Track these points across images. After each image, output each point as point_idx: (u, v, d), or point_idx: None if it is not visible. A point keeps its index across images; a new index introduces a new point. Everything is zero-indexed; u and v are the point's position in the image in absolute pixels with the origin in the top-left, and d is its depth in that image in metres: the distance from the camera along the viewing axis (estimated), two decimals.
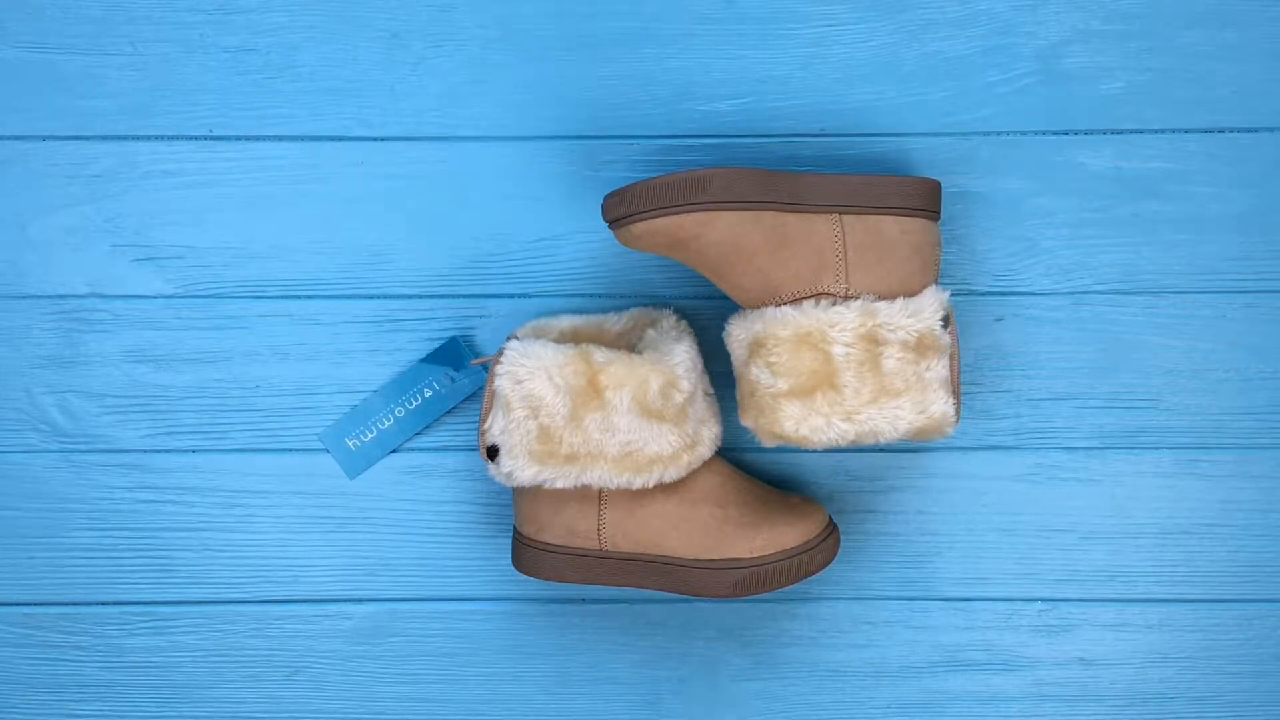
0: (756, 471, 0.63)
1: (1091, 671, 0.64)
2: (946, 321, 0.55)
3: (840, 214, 0.55)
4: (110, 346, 0.62)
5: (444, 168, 0.62)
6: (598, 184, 0.62)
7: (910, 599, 0.64)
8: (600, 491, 0.56)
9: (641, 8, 0.61)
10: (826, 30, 0.61)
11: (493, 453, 0.56)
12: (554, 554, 0.57)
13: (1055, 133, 0.62)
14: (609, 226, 0.55)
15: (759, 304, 0.55)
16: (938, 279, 0.57)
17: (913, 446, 0.63)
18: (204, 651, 0.64)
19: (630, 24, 0.61)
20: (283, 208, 0.62)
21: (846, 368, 0.53)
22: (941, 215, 0.58)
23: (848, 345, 0.53)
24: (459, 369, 0.62)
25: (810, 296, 0.54)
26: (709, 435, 0.57)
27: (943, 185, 0.62)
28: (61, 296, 0.62)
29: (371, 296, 0.62)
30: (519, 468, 0.55)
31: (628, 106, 0.62)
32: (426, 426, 0.63)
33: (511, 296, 0.63)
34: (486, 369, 0.59)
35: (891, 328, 0.53)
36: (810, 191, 0.55)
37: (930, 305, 0.54)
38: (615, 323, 0.60)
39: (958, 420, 0.55)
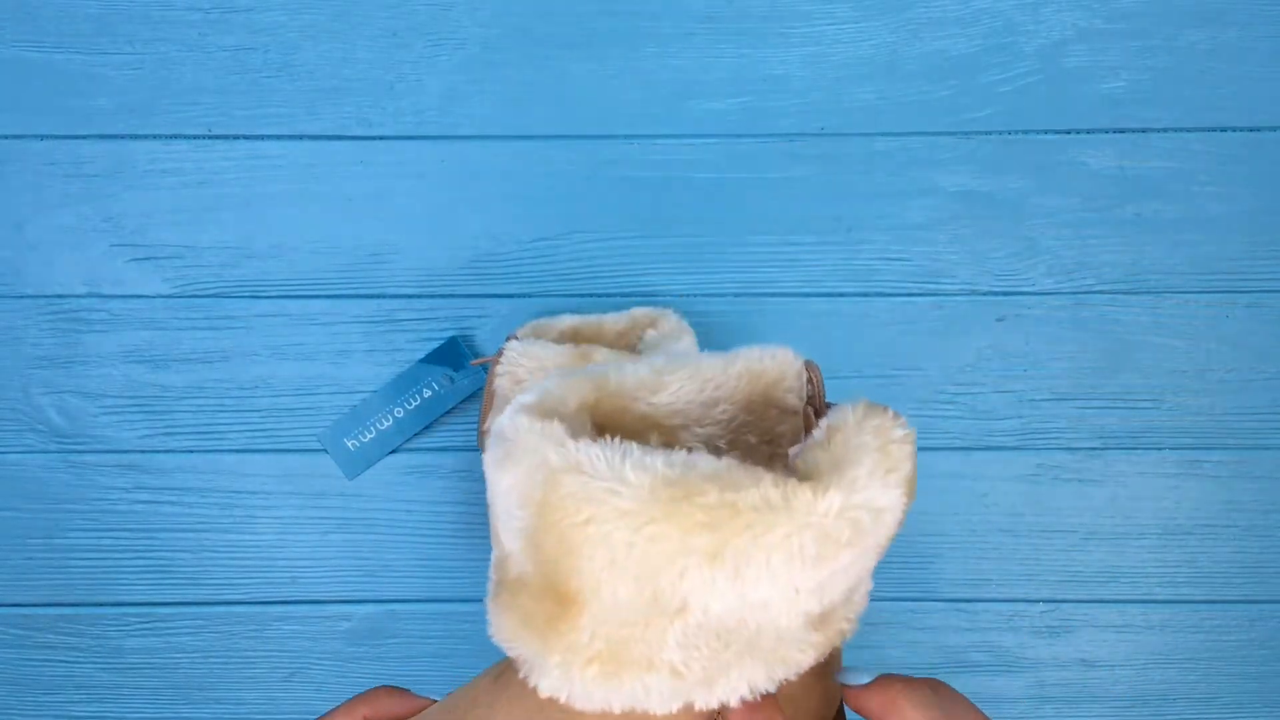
0: None
1: (1093, 672, 0.64)
2: None
3: None
4: (108, 346, 0.62)
5: (444, 167, 0.62)
6: (597, 184, 0.62)
7: (912, 600, 0.64)
8: None
9: (642, 7, 0.61)
10: (827, 29, 0.61)
11: None
12: None
13: (1057, 132, 0.61)
14: None
15: None
16: None
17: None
18: (202, 652, 0.64)
19: (630, 23, 0.61)
20: (281, 207, 0.62)
21: None
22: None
23: None
24: (458, 369, 0.62)
25: None
26: None
27: (946, 185, 0.62)
28: (59, 296, 0.62)
29: (371, 296, 0.62)
30: None
31: (628, 106, 0.61)
32: (426, 427, 0.63)
33: (511, 296, 0.62)
34: (486, 369, 0.59)
35: None
36: None
37: None
38: (615, 323, 0.60)
39: None
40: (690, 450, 0.31)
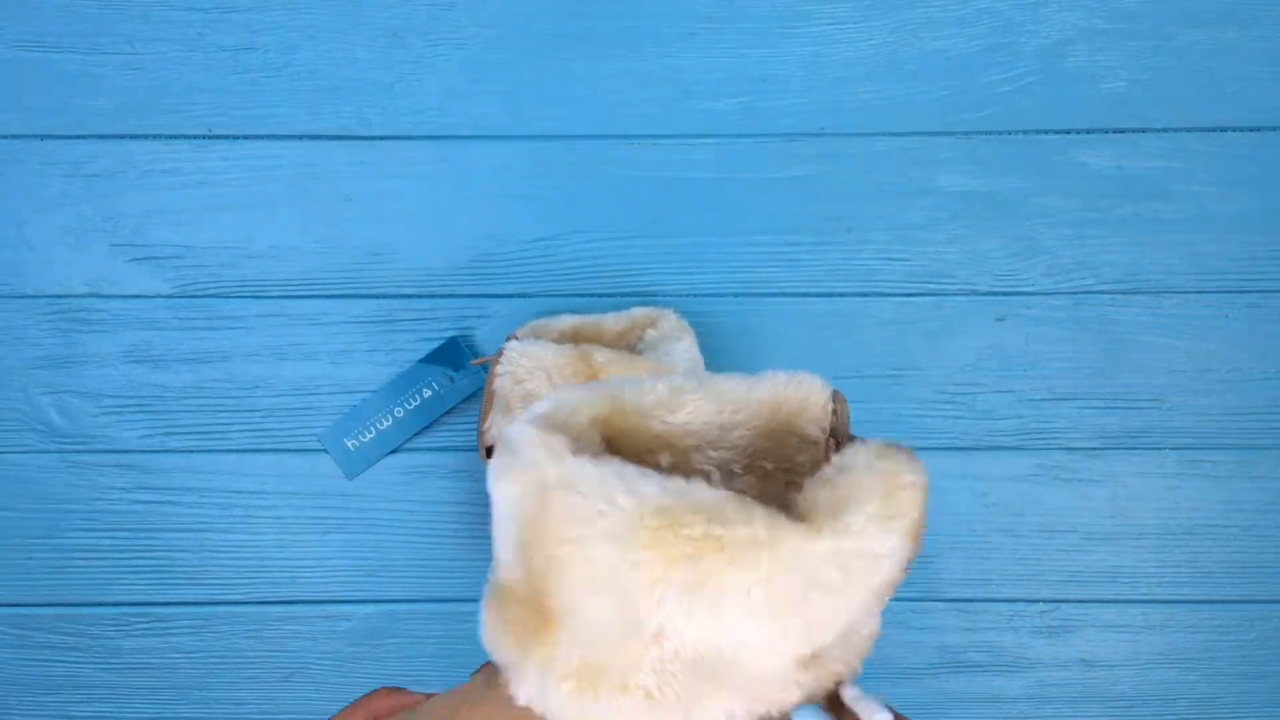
0: None
1: (1093, 672, 0.64)
2: None
3: None
4: (108, 346, 0.62)
5: (443, 167, 0.62)
6: (597, 184, 0.62)
7: (912, 600, 0.64)
8: None
9: (642, 7, 0.61)
10: (827, 29, 0.61)
11: (492, 453, 0.55)
12: None
13: (1057, 132, 0.61)
14: None
15: None
16: None
17: (913, 446, 0.63)
18: (202, 653, 0.64)
19: (630, 23, 0.61)
20: (281, 207, 0.62)
21: None
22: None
23: None
24: (458, 369, 0.62)
25: None
26: None
27: (945, 185, 0.62)
28: (59, 296, 0.62)
29: (371, 296, 0.62)
30: None
31: (628, 106, 0.61)
32: (426, 427, 0.63)
33: (511, 296, 0.62)
34: (486, 369, 0.59)
35: None
36: None
37: None
38: (615, 323, 0.60)
39: None
40: (704, 473, 0.31)
